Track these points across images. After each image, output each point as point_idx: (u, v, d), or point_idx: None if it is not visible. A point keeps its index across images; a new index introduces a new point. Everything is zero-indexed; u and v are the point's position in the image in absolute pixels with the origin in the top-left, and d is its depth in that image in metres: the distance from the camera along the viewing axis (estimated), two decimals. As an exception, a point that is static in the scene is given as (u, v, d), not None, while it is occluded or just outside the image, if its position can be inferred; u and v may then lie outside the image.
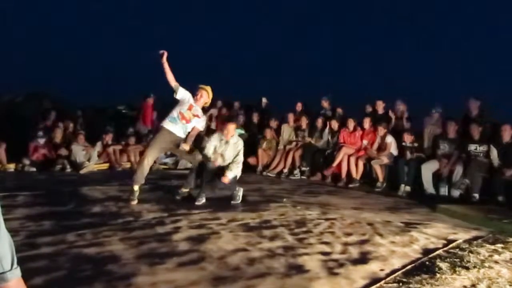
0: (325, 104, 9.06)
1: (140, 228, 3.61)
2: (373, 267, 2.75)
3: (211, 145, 5.26)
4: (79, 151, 8.20)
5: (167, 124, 4.99)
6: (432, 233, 3.78)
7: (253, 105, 10.17)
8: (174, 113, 5.03)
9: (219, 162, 5.21)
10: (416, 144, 6.99)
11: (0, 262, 1.51)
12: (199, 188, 5.16)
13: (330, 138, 8.17)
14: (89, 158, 8.28)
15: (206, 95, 5.22)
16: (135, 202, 4.70)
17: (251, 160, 8.68)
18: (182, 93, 5.04)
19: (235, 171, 5.17)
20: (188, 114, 5.03)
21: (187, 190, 5.26)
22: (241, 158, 5.25)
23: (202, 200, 4.97)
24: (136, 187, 4.83)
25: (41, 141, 8.22)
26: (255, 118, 9.59)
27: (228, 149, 5.23)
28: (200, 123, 5.20)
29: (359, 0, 22.17)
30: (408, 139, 7.02)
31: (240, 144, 5.30)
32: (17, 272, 1.58)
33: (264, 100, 10.09)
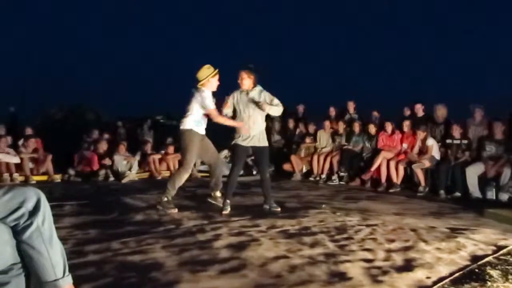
0: (351, 108, 8.98)
1: (181, 235, 3.67)
2: (418, 274, 2.66)
3: (230, 102, 4.90)
4: (120, 161, 8.50)
5: (195, 128, 4.81)
6: (480, 239, 3.61)
7: (288, 111, 10.16)
8: (198, 116, 4.82)
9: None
10: (465, 141, 6.72)
11: (53, 269, 1.58)
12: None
13: (368, 142, 8.03)
14: (130, 167, 8.55)
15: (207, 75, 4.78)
16: (175, 210, 4.76)
17: (286, 166, 8.69)
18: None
19: (275, 110, 4.86)
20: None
21: (218, 194, 5.13)
22: (277, 101, 4.84)
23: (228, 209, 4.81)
24: (170, 198, 4.83)
25: (86, 152, 8.58)
26: (291, 123, 9.58)
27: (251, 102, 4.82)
28: None
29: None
30: (456, 131, 6.77)
31: (267, 93, 4.87)
32: (68, 279, 1.65)
33: (300, 108, 10.03)
